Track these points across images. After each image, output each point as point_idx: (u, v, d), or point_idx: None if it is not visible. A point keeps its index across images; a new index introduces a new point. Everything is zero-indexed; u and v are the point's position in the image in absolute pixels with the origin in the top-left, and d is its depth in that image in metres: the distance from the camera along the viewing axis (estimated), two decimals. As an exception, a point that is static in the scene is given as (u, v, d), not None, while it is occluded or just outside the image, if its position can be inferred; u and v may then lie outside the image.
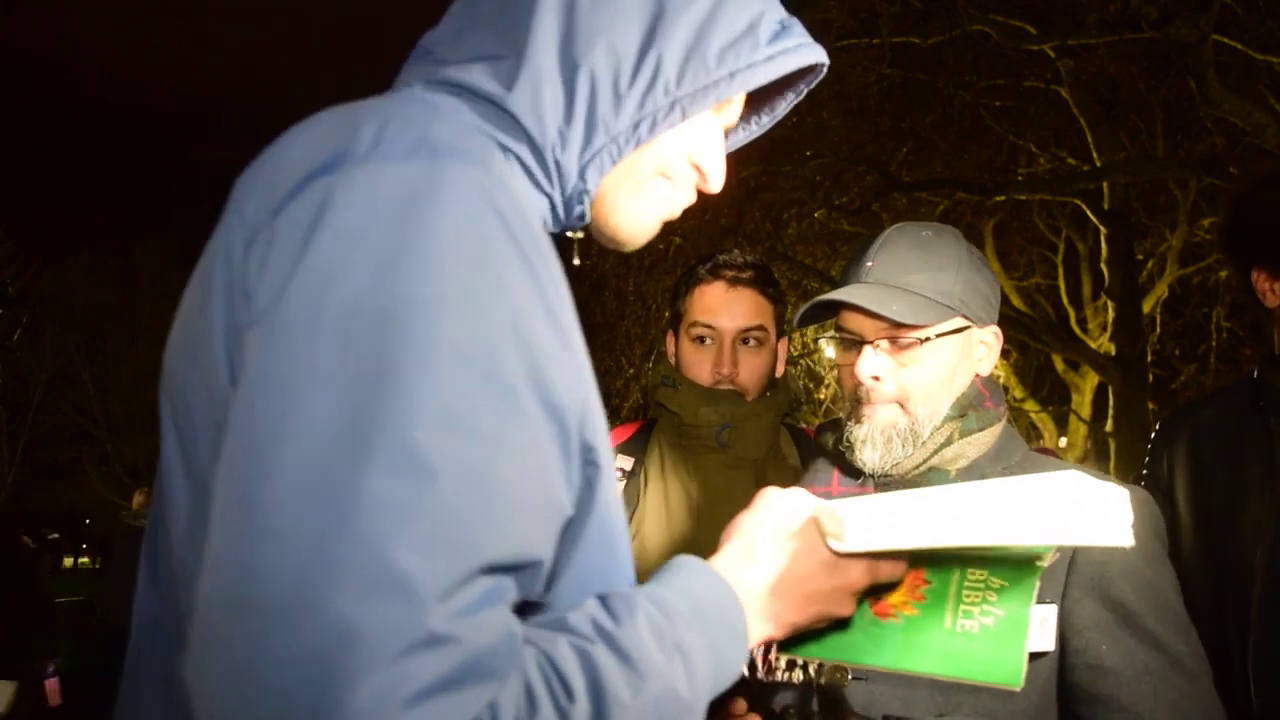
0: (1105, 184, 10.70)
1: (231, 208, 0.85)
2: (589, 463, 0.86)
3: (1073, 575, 1.32)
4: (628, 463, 2.09)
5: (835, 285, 1.54)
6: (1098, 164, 10.52)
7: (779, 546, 0.99)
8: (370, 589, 0.65)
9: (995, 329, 1.52)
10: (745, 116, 1.16)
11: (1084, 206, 10.98)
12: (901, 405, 1.44)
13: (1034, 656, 1.27)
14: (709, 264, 2.11)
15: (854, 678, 1.29)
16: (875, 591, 1.06)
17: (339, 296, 0.72)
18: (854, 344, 1.47)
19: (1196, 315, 13.00)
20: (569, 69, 0.92)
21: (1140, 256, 12.26)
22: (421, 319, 0.72)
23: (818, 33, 1.07)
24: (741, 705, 1.19)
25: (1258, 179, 2.02)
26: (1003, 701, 1.28)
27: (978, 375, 1.49)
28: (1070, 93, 10.44)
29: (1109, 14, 8.31)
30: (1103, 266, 11.17)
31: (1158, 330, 12.89)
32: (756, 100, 1.16)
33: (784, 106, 1.17)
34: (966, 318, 1.45)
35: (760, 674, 1.17)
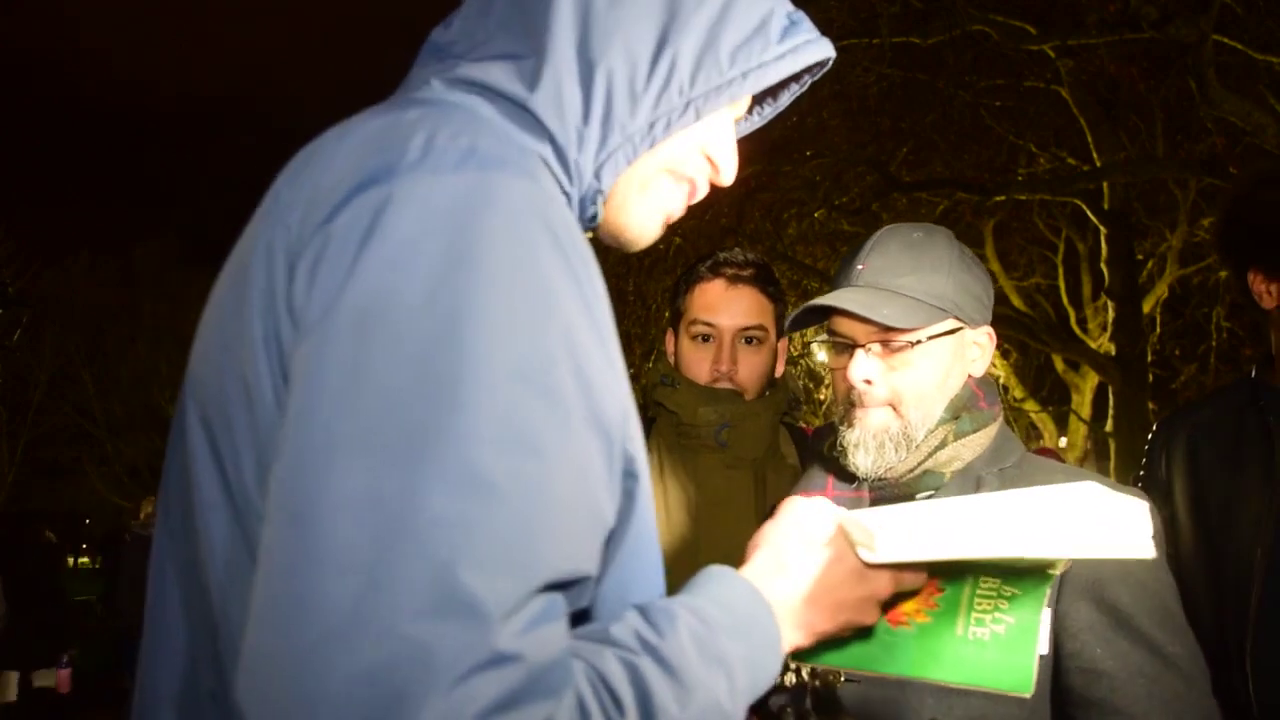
0: (1105, 184, 10.71)
1: (273, 216, 0.83)
2: (629, 473, 0.86)
3: (1067, 579, 1.31)
4: None
5: (836, 273, 1.53)
6: (1098, 164, 10.52)
7: (809, 556, 1.00)
8: (435, 609, 0.65)
9: (989, 330, 1.51)
10: (749, 107, 1.16)
11: (1084, 206, 10.98)
12: (894, 408, 1.43)
13: None
14: (709, 262, 2.11)
15: (846, 680, 1.29)
16: (891, 599, 1.06)
17: (393, 311, 0.71)
18: (846, 347, 1.46)
19: (1196, 315, 13.00)
20: (586, 69, 0.91)
21: (1140, 256, 12.27)
22: (477, 334, 0.71)
23: (818, 30, 1.07)
24: None
25: (1254, 180, 2.01)
26: (996, 706, 1.28)
27: (971, 376, 1.48)
28: (1070, 93, 10.44)
29: (1109, 14, 8.31)
30: (1103, 266, 11.17)
31: (1158, 330, 12.89)
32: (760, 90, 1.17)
33: (787, 97, 1.17)
34: (959, 319, 1.44)
35: None
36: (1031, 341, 11.69)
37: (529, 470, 0.71)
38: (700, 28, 0.94)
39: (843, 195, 11.55)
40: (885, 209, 11.10)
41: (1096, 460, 14.06)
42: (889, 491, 1.45)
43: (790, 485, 1.88)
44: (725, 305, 2.05)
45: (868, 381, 1.43)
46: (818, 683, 1.24)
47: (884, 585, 1.02)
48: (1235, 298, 11.42)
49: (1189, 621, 1.36)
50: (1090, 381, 13.20)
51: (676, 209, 1.05)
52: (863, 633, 1.13)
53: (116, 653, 8.54)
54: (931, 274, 1.43)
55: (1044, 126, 11.28)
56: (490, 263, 0.74)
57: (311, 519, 0.68)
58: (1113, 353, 11.24)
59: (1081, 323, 13.62)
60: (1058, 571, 1.18)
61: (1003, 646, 1.17)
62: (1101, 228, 10.98)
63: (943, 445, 1.43)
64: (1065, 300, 13.86)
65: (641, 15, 0.92)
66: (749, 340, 2.06)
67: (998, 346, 1.53)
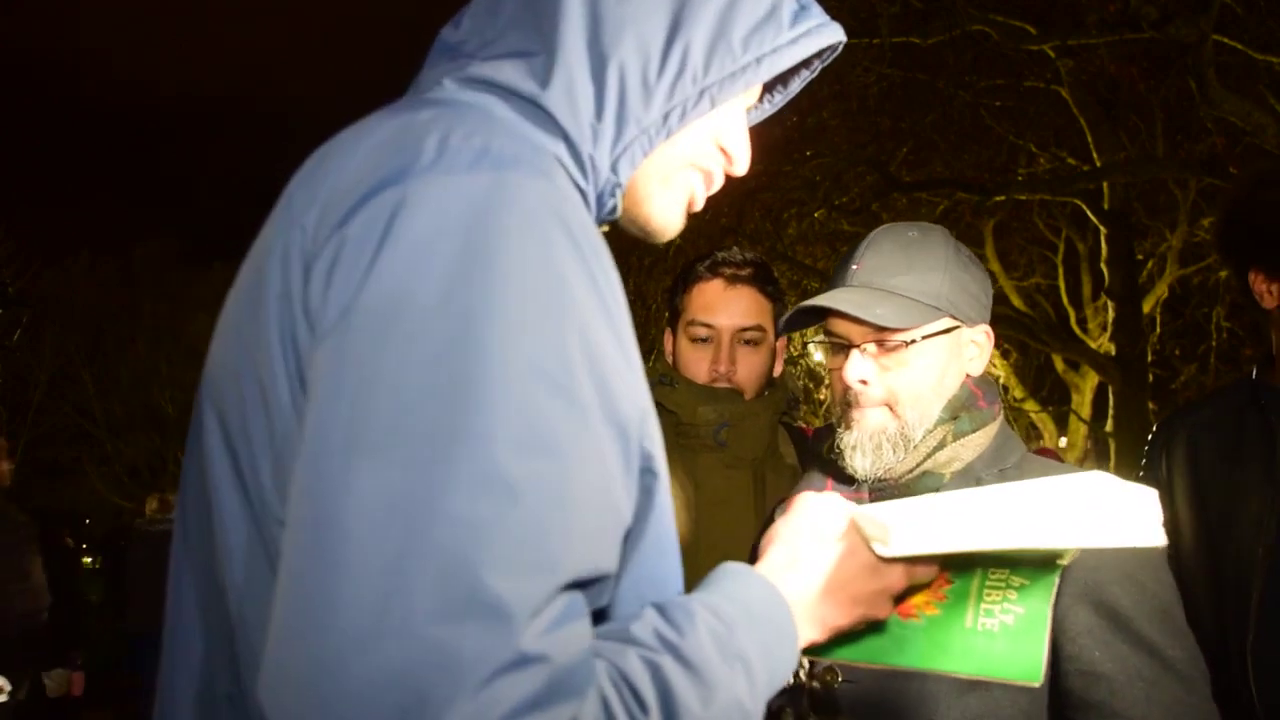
0: (1105, 184, 10.71)
1: (288, 219, 0.83)
2: (647, 470, 0.86)
3: (1066, 581, 1.30)
4: None
5: (832, 273, 1.53)
6: (1098, 164, 10.52)
7: (822, 551, 1.01)
8: (458, 611, 0.65)
9: (986, 328, 1.50)
10: (759, 95, 1.15)
11: (1084, 206, 10.98)
12: (890, 408, 1.42)
13: None
14: (708, 261, 2.10)
15: (844, 680, 1.29)
16: (903, 593, 1.07)
17: (410, 313, 0.72)
18: (842, 348, 1.46)
19: (1196, 315, 13.01)
20: (598, 63, 0.91)
21: (1140, 256, 12.27)
22: (494, 335, 0.71)
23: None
24: None
25: (1254, 180, 2.01)
26: (993, 707, 1.28)
27: (969, 376, 1.48)
28: (1070, 93, 10.44)
29: (1109, 14, 8.31)
30: (1103, 266, 11.17)
31: (1158, 330, 12.90)
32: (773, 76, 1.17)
33: (797, 84, 1.16)
34: (955, 318, 1.44)
35: None
36: (1031, 341, 11.69)
37: (548, 470, 0.71)
38: (711, 15, 0.93)
39: (843, 195, 11.55)
40: (885, 209, 11.10)
41: (1096, 460, 14.05)
42: (888, 493, 1.44)
43: (789, 485, 1.88)
44: (724, 305, 2.05)
45: (863, 382, 1.43)
46: (815, 683, 1.24)
47: (897, 579, 1.03)
48: (1235, 298, 11.42)
49: (1189, 621, 1.36)
50: (1090, 381, 13.20)
51: (697, 199, 1.05)
52: (874, 626, 1.14)
53: (124, 652, 8.55)
54: (926, 273, 1.42)
55: (1044, 126, 11.28)
56: (505, 262, 0.74)
57: (332, 524, 0.68)
58: (1113, 353, 11.24)
59: (1081, 323, 13.62)
60: (1066, 561, 1.18)
61: (1012, 637, 1.18)
62: (1101, 228, 10.98)
63: (941, 446, 1.42)
64: (1065, 300, 13.86)
65: (652, 6, 0.92)
66: (748, 340, 2.06)
67: (997, 346, 1.53)
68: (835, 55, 1.10)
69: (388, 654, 0.64)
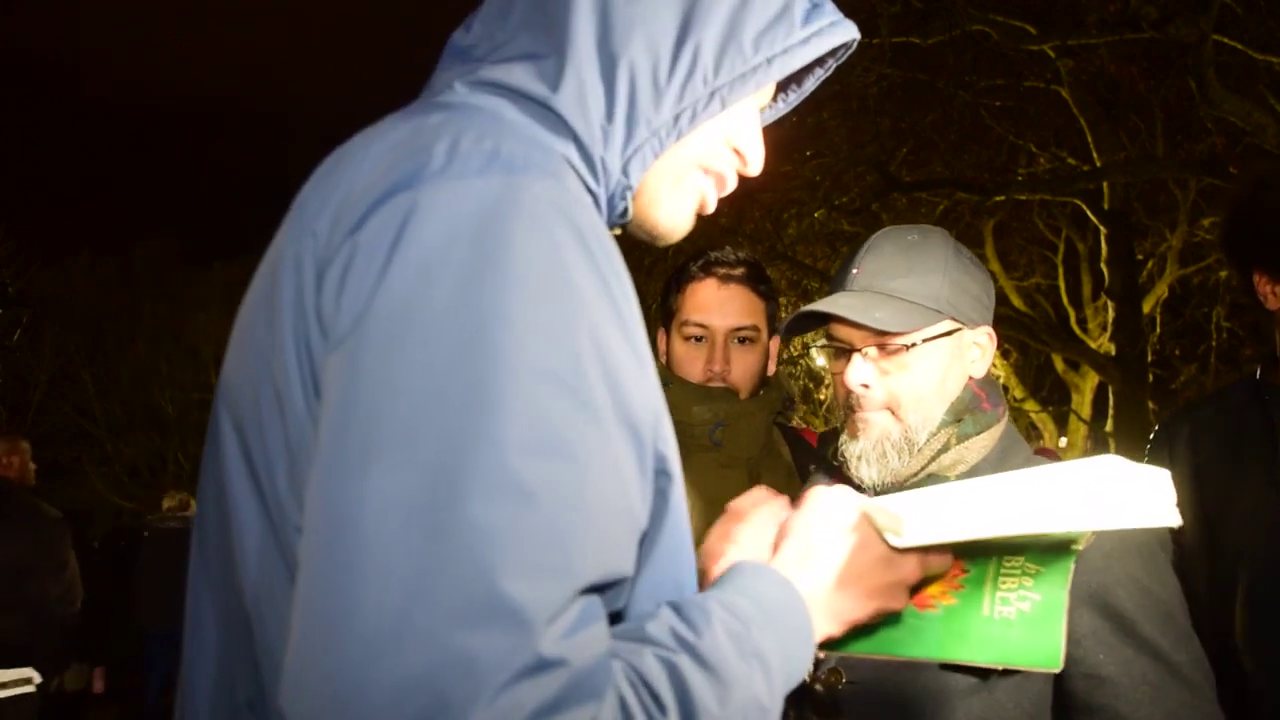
0: (1105, 184, 10.71)
1: (301, 225, 0.84)
2: (662, 472, 0.86)
3: (1071, 585, 1.31)
4: None
5: (832, 278, 1.53)
6: (1098, 164, 10.53)
7: (835, 545, 1.01)
8: (479, 617, 0.65)
9: (989, 330, 1.49)
10: (774, 94, 1.14)
11: (1084, 206, 10.99)
12: (892, 412, 1.42)
13: None
14: (700, 261, 2.09)
15: (848, 681, 1.29)
16: (918, 584, 1.07)
17: (422, 319, 0.72)
18: (844, 352, 1.46)
19: (1196, 315, 13.01)
20: (608, 64, 0.90)
21: (1140, 256, 12.27)
22: (506, 339, 0.72)
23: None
24: None
25: (1258, 181, 2.02)
26: (997, 710, 1.28)
27: (971, 378, 1.47)
28: (1070, 93, 10.44)
29: (1109, 14, 8.31)
30: (1103, 266, 11.17)
31: (1158, 330, 12.90)
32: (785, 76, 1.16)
33: (812, 82, 1.16)
34: (956, 320, 1.43)
35: None
36: (1031, 341, 11.70)
37: (563, 474, 0.71)
38: (722, 16, 0.93)
39: (843, 195, 11.56)
40: (885, 209, 11.11)
41: (1096, 460, 14.04)
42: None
43: (785, 483, 1.88)
44: (718, 305, 2.04)
45: (865, 386, 1.42)
46: (819, 685, 1.24)
47: (912, 569, 1.02)
48: (1236, 298, 11.45)
49: (1190, 613, 1.36)
50: (1090, 381, 13.20)
51: (709, 201, 1.04)
52: (890, 618, 1.14)
53: (128, 650, 8.56)
54: (926, 275, 1.42)
55: (1044, 126, 11.28)
56: (516, 267, 0.74)
57: (350, 531, 0.69)
58: (1113, 353, 11.24)
59: (1081, 323, 13.63)
60: (1081, 546, 1.18)
61: (1030, 624, 1.18)
62: (1101, 228, 10.98)
63: (945, 448, 1.42)
64: (1065, 300, 13.86)
65: (662, 7, 0.92)
66: (742, 340, 2.05)
67: (998, 346, 1.52)
68: (849, 53, 1.09)
69: (408, 660, 0.64)
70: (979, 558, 1.21)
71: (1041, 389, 15.30)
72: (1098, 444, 13.36)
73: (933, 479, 1.43)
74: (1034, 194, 10.91)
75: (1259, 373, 1.98)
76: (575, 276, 0.76)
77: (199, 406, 24.05)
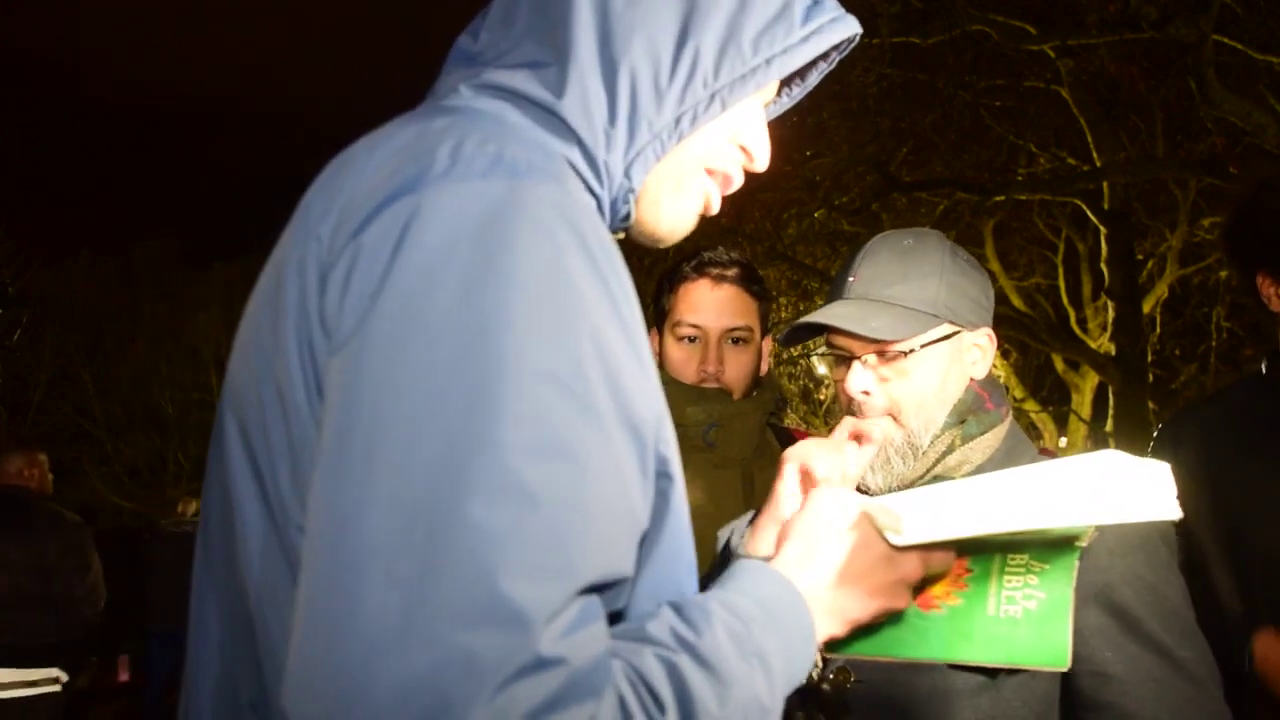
0: (1105, 184, 10.71)
1: (305, 228, 0.84)
2: (663, 474, 0.86)
3: (1077, 582, 1.31)
4: None
5: (828, 297, 1.53)
6: (1098, 164, 10.53)
7: (837, 544, 1.01)
8: (480, 617, 0.66)
9: (988, 331, 1.49)
10: (779, 89, 1.14)
11: (1084, 206, 10.99)
12: (894, 418, 1.43)
13: None
14: (694, 261, 2.09)
15: (856, 681, 1.29)
16: (920, 583, 1.07)
17: (425, 321, 0.72)
18: (844, 359, 1.47)
19: (1196, 315, 13.02)
20: (610, 69, 0.91)
21: (1140, 256, 12.27)
22: (508, 342, 0.72)
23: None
24: None
25: (1261, 183, 2.02)
26: (1005, 708, 1.28)
27: (973, 379, 1.47)
28: (1070, 93, 10.44)
29: (1109, 14, 8.31)
30: (1103, 266, 11.18)
31: (1158, 330, 12.91)
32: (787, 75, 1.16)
33: (816, 76, 1.16)
34: (954, 323, 1.44)
35: None
36: (1031, 341, 11.70)
37: (564, 476, 0.72)
38: (721, 18, 0.93)
39: (843, 195, 11.56)
40: (885, 209, 11.12)
41: (1096, 460, 14.04)
42: None
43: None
44: (711, 306, 2.04)
45: (865, 393, 1.43)
46: (827, 685, 1.24)
47: (913, 568, 1.02)
48: (1236, 298, 11.45)
49: (1211, 614, 1.36)
50: (1090, 381, 13.21)
51: (713, 202, 1.05)
52: (893, 618, 1.13)
53: (132, 651, 8.59)
54: (922, 280, 1.42)
55: (1044, 126, 11.29)
56: (519, 269, 0.74)
57: (352, 532, 0.69)
58: (1113, 353, 11.24)
59: (1081, 323, 13.63)
60: (1084, 543, 1.18)
61: (1036, 622, 1.18)
62: (1101, 228, 10.98)
63: (950, 450, 1.42)
64: (1065, 300, 13.87)
65: (661, 11, 0.92)
66: (735, 340, 2.06)
67: (998, 346, 1.53)
68: (853, 46, 1.09)
69: (410, 660, 0.65)
70: (983, 556, 1.21)
71: (1041, 389, 15.31)
72: (1098, 444, 13.36)
73: (938, 481, 1.43)
74: (1034, 194, 10.91)
75: (1265, 368, 1.98)
76: (577, 279, 0.77)
77: (199, 406, 24.06)
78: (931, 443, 1.42)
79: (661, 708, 0.74)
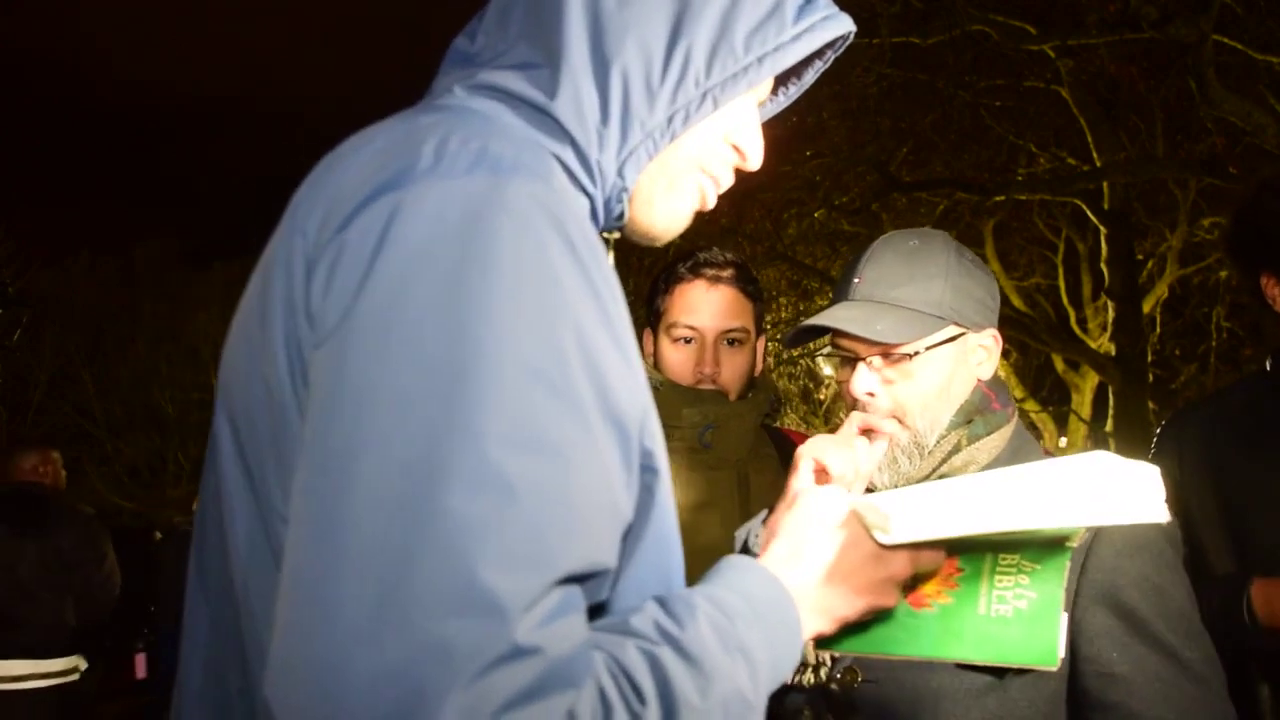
0: (1105, 184, 10.71)
1: (292, 225, 0.85)
2: (648, 468, 0.87)
3: (1083, 583, 1.31)
4: None
5: (835, 285, 1.53)
6: (1098, 164, 10.53)
7: (825, 542, 1.01)
8: (457, 606, 0.67)
9: (994, 332, 1.50)
10: (773, 88, 1.15)
11: (1084, 206, 10.99)
12: (899, 419, 1.43)
13: None
14: (689, 262, 2.09)
15: (864, 680, 1.29)
16: (911, 582, 1.07)
17: (407, 315, 0.73)
18: (849, 360, 1.47)
19: (1196, 315, 13.02)
20: (601, 69, 0.92)
21: (1140, 256, 12.28)
22: (489, 336, 0.73)
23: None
24: None
25: (1262, 184, 2.02)
26: (1011, 708, 1.28)
27: (980, 380, 1.47)
28: (1070, 93, 10.44)
29: (1109, 14, 8.32)
30: (1103, 266, 11.18)
31: (1158, 330, 12.91)
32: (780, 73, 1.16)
33: (812, 74, 1.16)
34: (959, 325, 1.43)
35: None
36: (1031, 341, 11.70)
37: (543, 467, 0.72)
38: (713, 16, 0.93)
39: (843, 195, 11.56)
40: (885, 209, 11.12)
41: (1096, 460, 14.03)
42: None
43: (774, 484, 1.88)
44: (707, 307, 2.04)
45: (871, 394, 1.43)
46: (834, 685, 1.24)
47: (902, 566, 1.03)
48: (1236, 298, 11.45)
49: (1216, 610, 1.36)
50: (1090, 381, 13.21)
51: (707, 200, 1.05)
52: (884, 616, 1.14)
53: (134, 648, 8.64)
54: (927, 282, 1.42)
55: (1044, 126, 11.29)
56: (501, 264, 0.75)
57: (333, 522, 0.70)
58: (1113, 353, 11.25)
59: (1081, 323, 13.63)
60: (1074, 543, 1.18)
61: (1026, 621, 1.18)
62: (1101, 228, 10.99)
63: (956, 450, 1.42)
64: (1065, 300, 13.87)
65: (653, 10, 0.92)
66: (731, 341, 2.05)
67: (998, 346, 1.53)
68: (848, 44, 1.09)
69: (386, 649, 0.66)
70: (974, 556, 1.21)
71: (1041, 389, 15.31)
72: (1098, 444, 13.37)
73: (944, 480, 1.43)
74: (1034, 194, 10.91)
75: (1270, 366, 1.98)
76: (560, 275, 0.77)
77: (199, 406, 24.06)
78: (938, 443, 1.42)
79: (643, 699, 0.74)
